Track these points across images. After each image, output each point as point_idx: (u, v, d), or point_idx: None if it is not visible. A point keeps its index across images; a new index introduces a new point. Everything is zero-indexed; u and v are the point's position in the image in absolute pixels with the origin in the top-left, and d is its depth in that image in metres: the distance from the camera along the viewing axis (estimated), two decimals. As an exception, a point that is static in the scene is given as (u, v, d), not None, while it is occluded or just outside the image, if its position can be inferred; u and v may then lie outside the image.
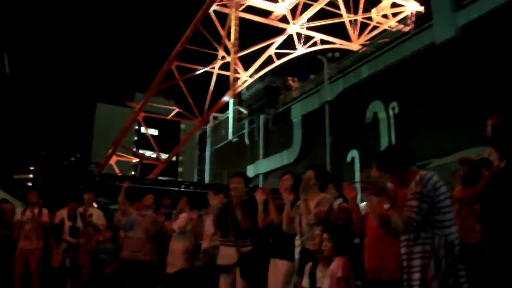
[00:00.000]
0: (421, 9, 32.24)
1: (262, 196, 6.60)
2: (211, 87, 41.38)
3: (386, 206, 4.30)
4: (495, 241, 4.14)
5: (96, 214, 10.92)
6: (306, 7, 40.30)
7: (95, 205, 11.60)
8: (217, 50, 41.71)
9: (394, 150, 4.50)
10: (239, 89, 40.55)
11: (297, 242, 5.97)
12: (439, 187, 3.97)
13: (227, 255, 6.85)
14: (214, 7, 40.72)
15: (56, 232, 10.37)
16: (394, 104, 23.15)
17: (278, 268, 6.28)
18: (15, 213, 10.87)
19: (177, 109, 45.28)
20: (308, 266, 5.49)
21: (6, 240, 10.27)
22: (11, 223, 10.46)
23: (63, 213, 10.59)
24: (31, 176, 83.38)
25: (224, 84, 41.16)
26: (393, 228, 4.15)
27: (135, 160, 51.12)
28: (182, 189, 22.60)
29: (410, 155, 4.26)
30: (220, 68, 41.76)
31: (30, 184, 76.25)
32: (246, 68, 40.39)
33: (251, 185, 7.94)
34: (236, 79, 40.10)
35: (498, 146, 4.52)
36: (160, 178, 41.53)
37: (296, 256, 5.99)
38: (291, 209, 6.05)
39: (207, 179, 43.11)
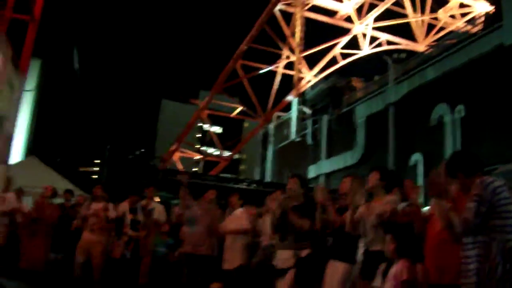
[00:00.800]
0: (491, 9, 31.59)
1: (321, 197, 6.59)
2: (275, 86, 41.49)
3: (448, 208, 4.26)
4: None
5: (158, 209, 11.13)
6: (372, 7, 39.98)
7: (157, 199, 11.80)
8: (282, 49, 41.78)
9: (459, 156, 4.46)
10: (303, 89, 40.49)
11: (361, 243, 5.95)
12: (501, 192, 3.94)
13: (283, 258, 6.84)
14: (279, 6, 40.77)
15: (118, 224, 10.60)
16: (460, 107, 22.75)
17: (336, 270, 6.28)
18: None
19: (241, 107, 45.59)
20: (382, 267, 5.45)
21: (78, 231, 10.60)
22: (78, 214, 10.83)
23: (124, 206, 10.82)
24: (96, 169, 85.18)
25: (288, 83, 41.19)
26: (454, 231, 4.13)
27: (198, 156, 51.68)
28: (243, 187, 22.71)
29: (475, 161, 4.23)
30: (285, 67, 41.83)
31: (95, 176, 77.94)
32: (310, 68, 40.31)
33: (311, 185, 7.94)
34: (300, 78, 40.05)
35: None
36: (222, 175, 41.89)
37: (360, 258, 5.98)
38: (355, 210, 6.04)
39: (268, 178, 43.17)
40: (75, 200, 13.24)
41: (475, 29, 27.26)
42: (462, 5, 39.58)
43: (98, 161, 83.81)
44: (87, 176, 73.81)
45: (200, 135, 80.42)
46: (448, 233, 4.40)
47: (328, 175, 33.97)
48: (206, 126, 60.99)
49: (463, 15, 40.01)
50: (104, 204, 10.40)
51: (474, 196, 3.90)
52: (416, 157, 24.60)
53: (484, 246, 3.85)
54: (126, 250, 10.47)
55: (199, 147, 58.97)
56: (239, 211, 9.36)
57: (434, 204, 4.51)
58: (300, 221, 6.68)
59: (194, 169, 57.09)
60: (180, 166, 44.87)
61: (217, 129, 69.17)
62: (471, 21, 36.61)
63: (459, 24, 39.09)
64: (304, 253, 6.71)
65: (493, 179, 3.99)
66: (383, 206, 5.65)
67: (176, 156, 45.84)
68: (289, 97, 40.56)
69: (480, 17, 35.77)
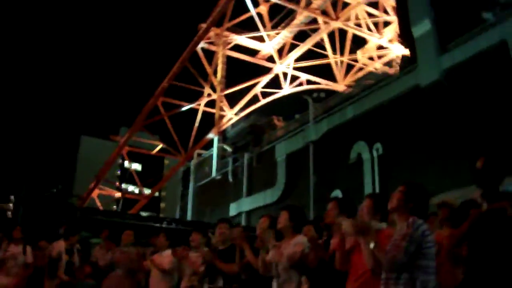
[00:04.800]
0: (406, 52, 32.65)
1: (238, 239, 6.57)
2: (196, 124, 41.55)
3: (371, 245, 4.27)
4: (480, 283, 4.15)
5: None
6: (292, 47, 40.82)
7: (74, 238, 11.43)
8: (203, 87, 41.91)
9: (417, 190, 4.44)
10: (224, 127, 40.62)
11: (274, 284, 5.89)
12: (428, 234, 4.04)
13: None
14: (202, 44, 41.07)
15: (52, 265, 10.15)
16: (378, 145, 23.23)
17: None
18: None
19: (161, 145, 45.29)
20: None
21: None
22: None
23: (60, 246, 10.38)
24: (11, 206, 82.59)
25: (209, 121, 41.31)
26: (375, 265, 4.16)
27: (118, 194, 50.91)
28: (164, 226, 22.40)
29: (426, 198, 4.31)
30: (206, 105, 41.96)
31: (10, 214, 75.39)
32: (231, 106, 40.55)
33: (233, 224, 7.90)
34: (222, 116, 40.22)
35: (481, 187, 4.57)
36: (142, 213, 41.29)
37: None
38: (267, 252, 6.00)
39: (189, 216, 42.83)
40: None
41: (392, 71, 28.07)
42: (379, 47, 40.74)
43: (13, 198, 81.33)
44: (1, 214, 71.38)
45: (120, 173, 79.21)
46: (370, 268, 4.43)
47: (249, 213, 33.91)
48: (126, 163, 60.22)
49: (380, 57, 41.19)
50: (23, 248, 10.00)
51: (405, 236, 3.95)
52: (336, 194, 24.88)
53: (409, 283, 3.91)
54: None
55: (119, 185, 58.07)
56: (166, 251, 9.16)
57: (361, 242, 4.51)
58: (227, 267, 6.62)
59: (113, 207, 56.15)
60: (99, 204, 44.06)
61: (137, 167, 68.34)
62: (389, 63, 37.78)
63: (377, 65, 40.21)
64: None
65: (423, 221, 4.06)
66: (292, 248, 5.63)
67: (95, 193, 45.03)
68: (210, 135, 40.62)
69: (396, 59, 36.96)
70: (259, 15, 40.70)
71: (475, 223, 4.42)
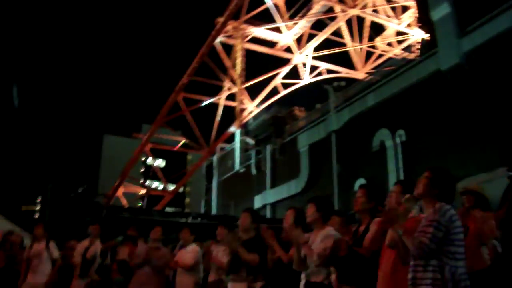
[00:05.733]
0: (426, 36, 32.36)
1: (270, 238, 6.55)
2: (218, 118, 41.52)
3: (400, 231, 4.22)
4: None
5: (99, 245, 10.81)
6: (311, 37, 40.64)
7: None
8: (223, 81, 41.91)
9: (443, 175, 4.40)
10: (245, 120, 40.61)
11: (302, 275, 5.85)
12: (455, 220, 3.98)
13: None
14: (220, 38, 41.05)
15: (85, 264, 10.16)
16: (400, 132, 23.10)
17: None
18: (23, 245, 10.78)
19: (184, 140, 45.40)
20: None
21: (17, 274, 10.14)
22: (20, 255, 10.34)
23: (97, 247, 10.40)
24: (38, 207, 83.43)
25: (230, 114, 41.30)
26: (404, 253, 4.12)
27: (142, 191, 51.13)
28: (189, 221, 22.45)
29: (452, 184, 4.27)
30: (227, 99, 41.95)
31: (37, 215, 76.21)
32: (252, 99, 40.49)
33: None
34: (242, 109, 40.18)
35: None
36: (167, 209, 41.47)
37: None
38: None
39: (214, 210, 42.95)
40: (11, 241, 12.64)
41: (412, 56, 27.85)
42: (398, 33, 40.44)
43: (40, 199, 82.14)
44: (30, 215, 72.19)
45: (144, 170, 79.56)
46: (398, 256, 4.40)
47: (274, 205, 33.96)
48: (149, 160, 60.50)
49: (400, 42, 40.87)
50: (46, 244, 10.04)
51: (432, 221, 3.90)
52: (360, 182, 24.76)
53: (438, 270, 3.86)
54: None
55: (143, 182, 58.45)
56: (190, 247, 9.18)
57: (389, 231, 4.48)
58: (249, 256, 6.58)
59: (138, 204, 56.41)
60: (124, 202, 44.28)
61: (161, 163, 68.65)
62: (408, 48, 37.47)
63: (397, 51, 39.92)
64: (258, 285, 6.61)
65: (450, 206, 4.01)
66: (322, 244, 5.56)
67: (120, 191, 45.26)
68: (232, 129, 40.62)
69: (416, 44, 36.67)
70: (276, 6, 40.56)
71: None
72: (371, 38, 41.27)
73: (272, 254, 6.69)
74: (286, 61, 40.97)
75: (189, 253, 8.99)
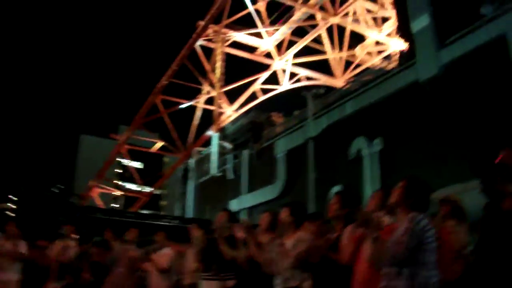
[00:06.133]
0: (405, 47, 32.62)
1: (241, 233, 6.52)
2: (196, 121, 41.54)
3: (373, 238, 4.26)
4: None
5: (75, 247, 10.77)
6: (291, 43, 40.83)
7: (75, 237, 11.43)
8: (202, 84, 41.94)
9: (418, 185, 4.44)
10: (223, 124, 40.60)
11: (277, 281, 5.84)
12: (429, 229, 4.03)
13: None
14: (200, 41, 41.11)
15: (63, 269, 10.11)
16: (377, 140, 23.26)
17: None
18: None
19: (161, 142, 45.33)
20: None
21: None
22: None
23: (73, 250, 10.34)
24: (12, 206, 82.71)
25: (208, 118, 41.32)
26: (375, 260, 4.17)
27: (118, 192, 50.96)
28: (164, 223, 22.39)
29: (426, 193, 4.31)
30: (205, 102, 42.01)
31: (10, 214, 75.49)
32: (230, 103, 40.58)
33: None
34: (221, 113, 40.22)
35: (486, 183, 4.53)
36: (142, 211, 41.31)
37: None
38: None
39: (190, 213, 42.87)
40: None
41: (391, 66, 28.04)
42: (378, 43, 40.74)
43: (14, 198, 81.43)
44: (1, 213, 71.50)
45: (120, 171, 79.21)
46: (371, 262, 4.44)
47: (250, 209, 33.95)
48: (126, 162, 60.28)
49: (379, 52, 41.17)
50: (16, 242, 9.97)
51: (406, 230, 3.95)
52: (336, 189, 24.88)
53: (410, 278, 3.91)
54: None
55: (119, 183, 58.24)
56: (165, 250, 9.20)
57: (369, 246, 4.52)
58: (231, 251, 6.60)
59: (113, 205, 56.17)
60: (99, 203, 44.10)
61: (137, 165, 68.37)
62: (387, 58, 37.73)
63: (376, 60, 40.20)
64: (230, 283, 6.64)
65: (423, 216, 4.06)
66: (296, 248, 5.57)
67: (95, 192, 45.09)
68: (210, 132, 40.62)
69: (395, 54, 36.94)
70: (257, 11, 40.75)
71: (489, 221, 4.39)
72: (351, 47, 41.54)
73: (247, 252, 6.66)
74: (265, 67, 41.14)
75: (164, 256, 9.01)
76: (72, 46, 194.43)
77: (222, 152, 40.09)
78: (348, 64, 42.48)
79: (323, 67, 42.03)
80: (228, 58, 41.91)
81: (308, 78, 41.37)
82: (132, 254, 9.13)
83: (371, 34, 40.33)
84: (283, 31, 40.48)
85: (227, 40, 41.48)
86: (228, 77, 41.35)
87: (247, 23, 41.14)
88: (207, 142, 42.68)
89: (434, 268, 4.02)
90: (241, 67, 43.69)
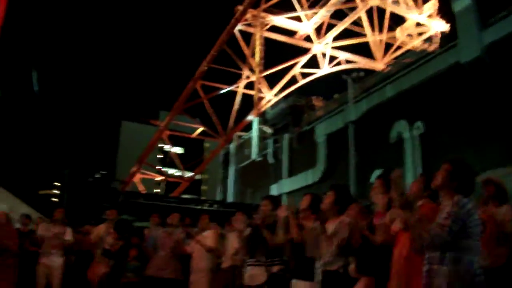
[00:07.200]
0: (446, 28, 32.15)
1: (284, 213, 6.51)
2: (236, 106, 41.55)
3: (412, 220, 4.23)
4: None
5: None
6: (330, 26, 40.49)
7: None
8: (242, 69, 41.89)
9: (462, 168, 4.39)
10: (263, 108, 40.60)
11: (318, 264, 5.84)
12: (473, 213, 3.94)
13: (256, 275, 6.75)
14: (239, 26, 41.02)
15: (107, 254, 10.26)
16: (418, 123, 23.04)
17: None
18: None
19: (201, 128, 45.52)
20: None
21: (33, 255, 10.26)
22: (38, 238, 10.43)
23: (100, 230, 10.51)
24: (56, 191, 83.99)
25: (248, 103, 41.33)
26: (418, 243, 4.13)
27: (159, 178, 51.36)
28: (205, 208, 22.56)
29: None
30: (245, 87, 41.95)
31: (55, 199, 76.79)
32: (270, 87, 40.47)
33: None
34: (261, 98, 40.16)
35: None
36: (183, 196, 41.64)
37: (318, 278, 5.88)
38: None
39: (230, 198, 43.05)
40: (33, 225, 12.72)
41: (432, 48, 27.69)
42: (418, 24, 40.16)
43: (58, 184, 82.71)
44: (47, 199, 72.73)
45: (161, 156, 79.81)
46: (412, 247, 4.42)
47: (290, 194, 33.96)
48: (167, 147, 60.69)
49: (420, 34, 40.59)
50: (63, 228, 10.13)
51: (450, 214, 3.90)
52: (377, 174, 24.69)
53: (454, 263, 3.84)
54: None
55: (160, 168, 58.73)
56: (208, 232, 9.30)
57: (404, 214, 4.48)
58: (270, 236, 6.61)
59: (155, 191, 56.66)
60: (141, 188, 44.55)
61: (178, 150, 68.74)
62: (428, 40, 37.22)
63: (416, 42, 39.65)
64: (276, 269, 6.65)
65: (468, 200, 4.01)
66: (339, 234, 5.52)
67: (137, 177, 45.52)
68: (250, 117, 40.64)
69: (436, 36, 36.41)
70: (296, -5, 40.47)
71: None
72: (391, 29, 41.03)
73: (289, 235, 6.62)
74: (305, 51, 40.90)
75: (208, 238, 9.11)
76: (114, 34, 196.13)
77: (263, 136, 40.16)
78: (388, 46, 41.93)
79: (363, 50, 41.63)
80: (267, 42, 41.83)
81: (348, 61, 41.04)
82: (174, 238, 9.23)
83: (412, 16, 39.74)
84: (322, 14, 40.13)
85: (266, 25, 41.32)
86: (268, 62, 41.31)
87: (285, 6, 40.94)
88: (248, 127, 42.78)
89: (478, 254, 3.95)
90: (280, 51, 43.57)
